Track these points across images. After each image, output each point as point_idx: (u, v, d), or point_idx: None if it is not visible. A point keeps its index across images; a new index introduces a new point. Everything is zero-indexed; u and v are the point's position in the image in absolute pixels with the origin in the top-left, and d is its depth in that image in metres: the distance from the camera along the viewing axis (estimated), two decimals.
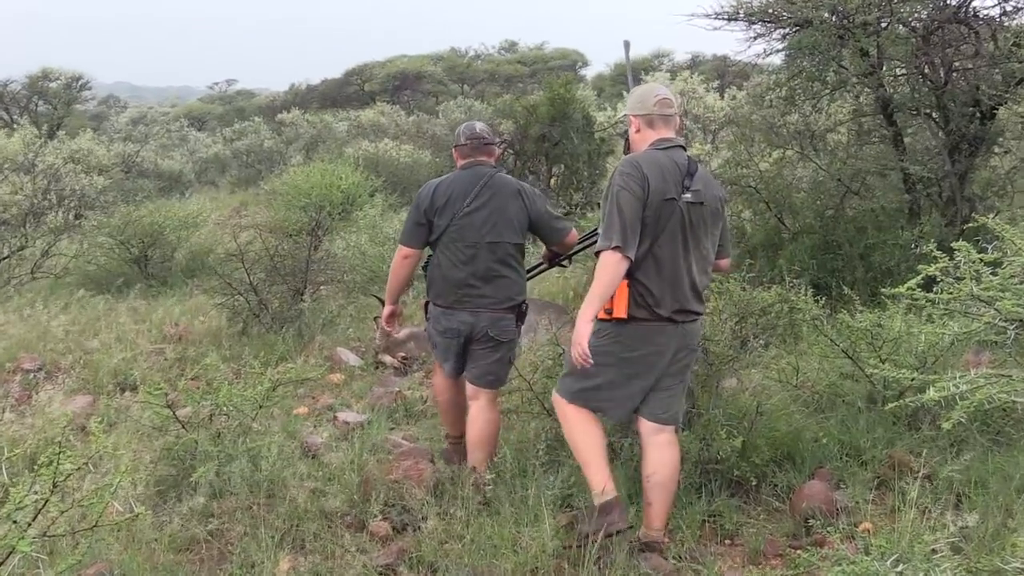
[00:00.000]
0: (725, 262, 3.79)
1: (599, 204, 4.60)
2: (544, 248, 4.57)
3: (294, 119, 28.99)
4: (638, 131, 3.61)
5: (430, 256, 4.31)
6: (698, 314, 3.55)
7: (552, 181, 13.52)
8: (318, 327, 7.39)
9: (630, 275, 3.38)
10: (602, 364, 3.43)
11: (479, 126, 4.38)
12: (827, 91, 7.43)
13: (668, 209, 3.39)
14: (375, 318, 6.91)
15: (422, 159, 17.50)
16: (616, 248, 3.29)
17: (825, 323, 4.86)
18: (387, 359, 6.69)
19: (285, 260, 7.72)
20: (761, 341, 4.54)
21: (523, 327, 4.41)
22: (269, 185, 16.57)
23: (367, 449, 4.58)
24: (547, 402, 4.37)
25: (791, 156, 7.94)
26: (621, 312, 3.40)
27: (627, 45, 4.45)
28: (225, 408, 4.26)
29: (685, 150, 3.58)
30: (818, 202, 7.53)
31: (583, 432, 3.55)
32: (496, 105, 19.32)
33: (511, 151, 13.36)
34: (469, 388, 4.31)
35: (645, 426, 3.58)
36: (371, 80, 40.52)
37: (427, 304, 4.37)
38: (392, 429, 5.21)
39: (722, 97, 17.77)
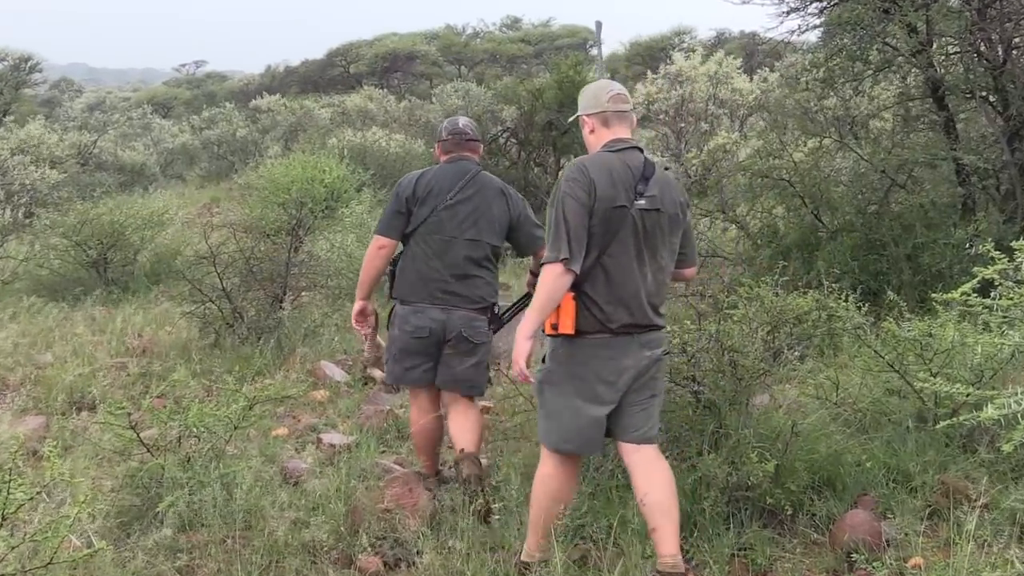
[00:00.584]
0: (690, 271, 3.88)
1: None
2: (527, 275, 4.74)
3: (271, 105, 29.08)
4: (592, 131, 3.72)
5: (399, 253, 4.49)
6: (658, 327, 3.62)
7: (560, 174, 13.54)
8: (299, 338, 7.40)
9: (577, 288, 3.47)
10: (562, 391, 3.55)
11: (463, 121, 4.63)
12: (870, 72, 7.44)
13: (618, 217, 3.48)
14: None
15: (415, 149, 17.52)
16: (562, 261, 3.39)
17: (868, 332, 4.86)
18: (377, 374, 6.68)
19: (262, 263, 7.74)
20: (796, 353, 4.54)
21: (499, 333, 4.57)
22: (243, 179, 16.62)
23: (355, 475, 4.58)
24: None
25: (829, 145, 7.96)
26: (567, 328, 3.48)
27: (599, 26, 4.59)
28: (195, 429, 4.26)
29: (642, 152, 3.66)
30: (860, 196, 7.54)
31: (551, 494, 3.60)
32: (497, 89, 19.35)
33: (514, 140, 13.38)
34: (446, 396, 4.46)
35: (625, 449, 3.63)
36: (357, 61, 40.62)
37: (390, 314, 4.52)
38: (383, 452, 5.22)
39: (751, 79, 17.78)
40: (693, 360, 4.17)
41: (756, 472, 3.86)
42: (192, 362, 6.87)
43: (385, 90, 32.22)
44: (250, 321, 7.42)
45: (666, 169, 4.29)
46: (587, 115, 3.71)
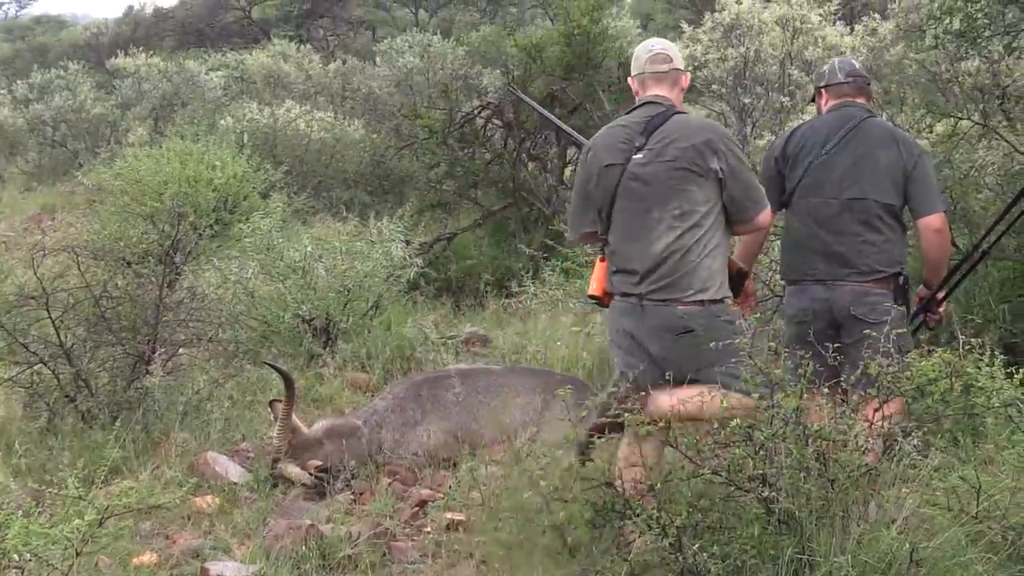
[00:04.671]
0: (763, 218, 4.99)
1: None
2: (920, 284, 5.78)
3: (135, 67, 29.13)
4: (637, 95, 5.11)
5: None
6: (672, 296, 4.78)
7: (567, 171, 13.58)
8: (176, 418, 7.38)
9: (604, 252, 5.04)
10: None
11: (853, 62, 5.81)
12: None
13: (611, 176, 4.89)
14: (272, 402, 6.93)
15: (349, 135, 17.56)
16: (573, 241, 5.66)
17: None
18: (292, 471, 6.67)
19: (120, 306, 7.74)
20: (916, 441, 4.58)
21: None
22: (92, 178, 16.62)
23: None
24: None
25: (967, 130, 8.00)
26: (595, 291, 5.06)
27: None
28: (17, 557, 4.27)
29: (662, 105, 4.95)
30: (1014, 207, 7.57)
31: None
32: (473, 43, 19.50)
33: (498, 123, 13.44)
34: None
35: None
36: (263, 1, 40.81)
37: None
38: None
39: (851, 31, 17.85)
40: (762, 452, 4.20)
41: None
42: (13, 454, 6.86)
43: (306, 45, 32.35)
44: (102, 392, 7.42)
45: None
46: (631, 77, 5.12)
